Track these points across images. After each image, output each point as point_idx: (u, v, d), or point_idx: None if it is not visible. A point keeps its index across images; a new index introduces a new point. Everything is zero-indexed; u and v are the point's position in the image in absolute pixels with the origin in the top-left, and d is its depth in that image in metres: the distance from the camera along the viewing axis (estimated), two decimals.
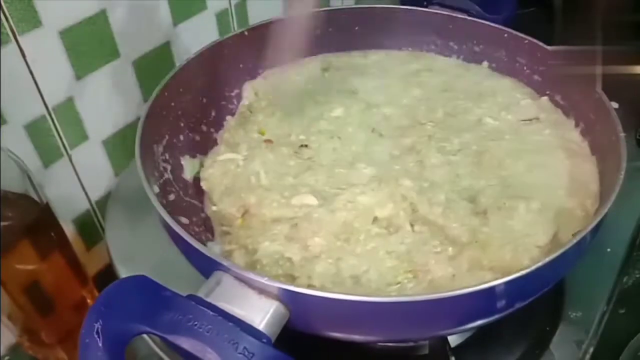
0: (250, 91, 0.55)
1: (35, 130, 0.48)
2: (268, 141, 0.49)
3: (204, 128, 0.51)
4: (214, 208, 0.45)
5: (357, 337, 0.35)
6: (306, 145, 0.48)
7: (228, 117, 0.53)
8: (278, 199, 0.43)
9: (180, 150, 0.48)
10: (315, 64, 0.57)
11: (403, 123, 0.50)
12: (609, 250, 0.48)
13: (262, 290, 0.31)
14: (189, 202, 0.45)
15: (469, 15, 0.55)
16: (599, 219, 0.34)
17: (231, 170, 0.47)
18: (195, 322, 0.29)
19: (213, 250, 0.41)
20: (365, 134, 0.49)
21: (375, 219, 0.41)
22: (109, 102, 0.54)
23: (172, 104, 0.47)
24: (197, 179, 0.47)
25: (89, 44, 0.50)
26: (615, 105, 0.43)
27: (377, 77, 0.55)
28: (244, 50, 0.54)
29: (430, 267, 0.38)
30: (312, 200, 0.42)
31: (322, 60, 0.57)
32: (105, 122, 0.54)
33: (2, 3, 0.42)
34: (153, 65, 0.56)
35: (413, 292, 0.37)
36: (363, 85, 0.54)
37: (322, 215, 0.41)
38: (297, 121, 0.51)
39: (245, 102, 0.54)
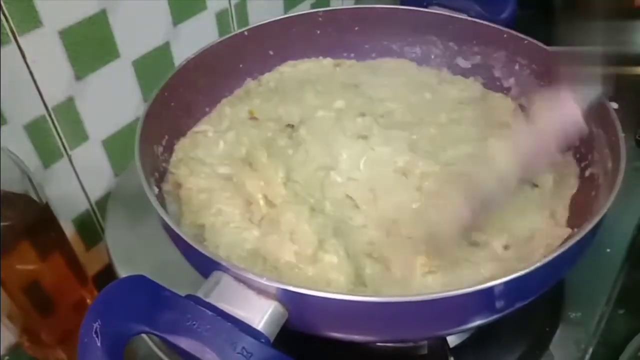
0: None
1: (35, 130, 0.48)
2: (253, 118, 0.49)
3: None
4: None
5: (355, 337, 0.35)
6: (292, 126, 0.48)
7: None
8: (208, 171, 0.44)
9: None
10: (328, 59, 0.58)
11: (397, 118, 0.50)
12: (608, 250, 0.48)
13: (260, 290, 0.31)
14: None
15: (469, 16, 0.55)
16: (598, 218, 0.34)
17: (199, 141, 0.47)
18: (194, 322, 0.29)
19: None
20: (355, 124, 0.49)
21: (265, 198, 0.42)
22: (109, 102, 0.54)
23: (172, 104, 0.47)
24: None
25: (89, 44, 0.50)
26: (615, 105, 0.43)
27: (387, 77, 0.55)
28: (244, 50, 0.54)
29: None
30: (232, 170, 0.44)
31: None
32: (105, 122, 0.55)
33: (2, 3, 0.42)
34: (153, 65, 0.56)
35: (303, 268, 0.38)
36: (370, 81, 0.54)
37: (237, 184, 0.42)
38: (294, 107, 0.51)
39: (242, 86, 0.55)
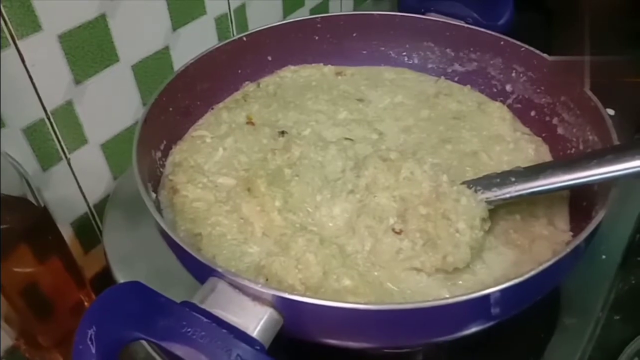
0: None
1: (34, 133, 0.48)
2: (250, 123, 0.49)
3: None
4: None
5: (351, 344, 0.35)
6: (285, 132, 0.48)
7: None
8: (206, 181, 0.44)
9: None
10: (329, 67, 0.58)
11: (398, 140, 0.50)
12: (604, 257, 0.48)
13: (256, 297, 0.31)
14: None
15: (466, 23, 0.55)
16: (594, 226, 0.34)
17: (197, 147, 0.48)
18: (189, 329, 0.29)
19: None
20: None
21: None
22: (108, 106, 0.54)
23: (170, 108, 0.47)
24: None
25: (88, 48, 0.50)
26: (610, 112, 0.43)
27: (390, 91, 0.55)
28: (243, 55, 0.54)
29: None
30: (231, 181, 0.44)
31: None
32: (104, 126, 0.55)
33: (2, 7, 0.42)
34: (152, 69, 0.56)
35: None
36: (373, 95, 0.54)
37: (234, 205, 0.42)
38: (293, 113, 0.51)
39: (240, 91, 0.55)
